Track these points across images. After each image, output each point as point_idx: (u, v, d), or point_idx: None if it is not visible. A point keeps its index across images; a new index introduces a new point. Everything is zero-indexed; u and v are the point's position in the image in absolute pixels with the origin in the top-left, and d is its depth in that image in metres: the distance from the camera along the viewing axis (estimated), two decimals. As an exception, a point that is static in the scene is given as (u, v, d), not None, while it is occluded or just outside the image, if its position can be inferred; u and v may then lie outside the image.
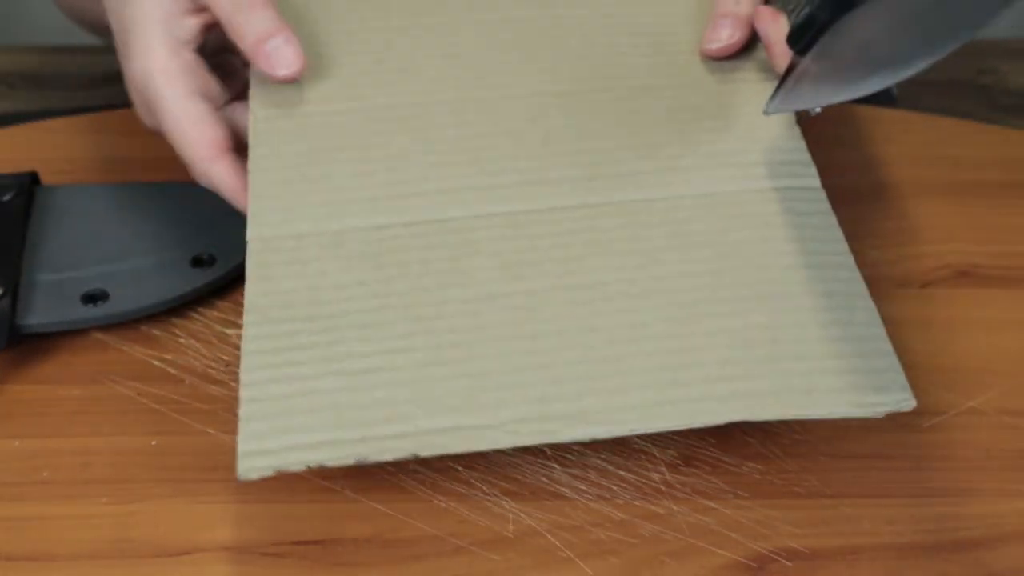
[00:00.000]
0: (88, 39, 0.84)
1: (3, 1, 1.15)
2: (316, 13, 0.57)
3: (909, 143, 0.69)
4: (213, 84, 0.54)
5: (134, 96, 0.54)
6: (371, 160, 0.51)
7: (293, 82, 0.53)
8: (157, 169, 0.62)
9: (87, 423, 0.49)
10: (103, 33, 0.72)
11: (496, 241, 0.48)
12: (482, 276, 0.47)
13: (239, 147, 0.53)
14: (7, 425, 0.49)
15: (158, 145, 0.64)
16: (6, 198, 0.57)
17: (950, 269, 0.60)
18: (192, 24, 0.53)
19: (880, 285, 0.58)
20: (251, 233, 0.48)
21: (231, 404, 0.50)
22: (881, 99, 0.77)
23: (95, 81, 0.79)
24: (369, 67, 0.54)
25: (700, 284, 0.47)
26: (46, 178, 0.60)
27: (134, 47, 0.53)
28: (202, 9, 0.53)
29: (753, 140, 0.52)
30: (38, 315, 0.52)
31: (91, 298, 0.53)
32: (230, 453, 0.48)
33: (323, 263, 0.47)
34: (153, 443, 0.48)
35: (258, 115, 0.52)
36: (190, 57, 0.53)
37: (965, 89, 0.79)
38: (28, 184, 0.58)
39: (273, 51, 0.52)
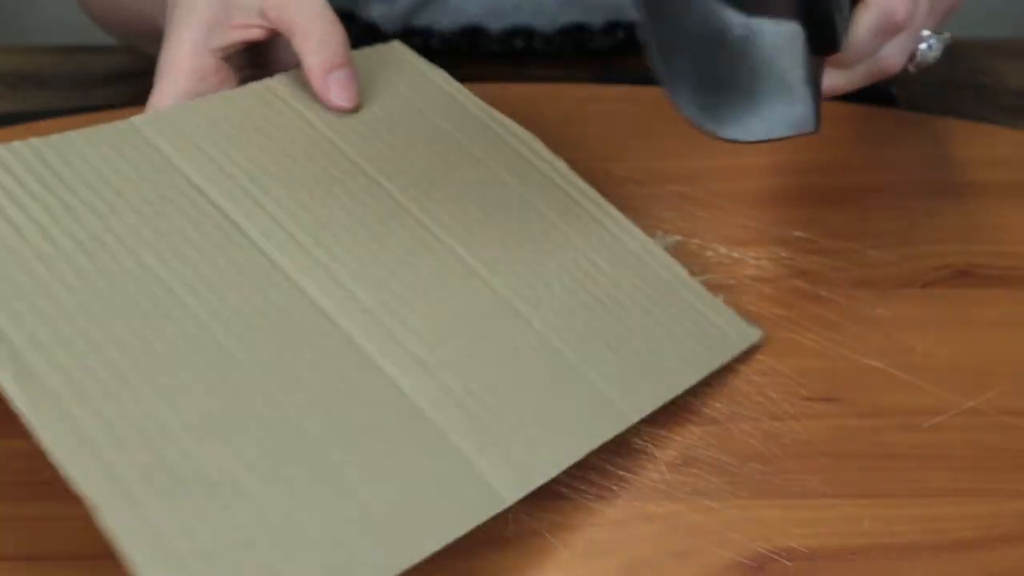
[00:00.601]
0: (88, 39, 0.84)
1: (4, 1, 1.15)
2: None
3: (909, 143, 0.69)
4: (225, 89, 0.55)
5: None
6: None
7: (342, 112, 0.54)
8: (157, 169, 0.62)
9: (87, 423, 0.49)
10: (128, 31, 0.72)
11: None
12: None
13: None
14: (7, 425, 0.49)
15: (158, 145, 0.64)
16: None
17: (950, 269, 0.60)
18: (232, 36, 0.55)
19: (880, 285, 0.58)
20: None
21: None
22: (881, 99, 0.77)
23: (95, 81, 0.79)
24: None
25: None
26: (46, 178, 0.60)
27: (171, 35, 0.55)
28: (252, 27, 0.55)
29: None
30: (38, 315, 0.52)
31: (91, 298, 0.53)
32: (230, 453, 0.48)
33: None
34: (153, 443, 0.48)
35: None
36: (210, 62, 0.55)
37: (965, 89, 0.79)
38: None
39: (336, 81, 0.53)
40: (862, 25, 0.52)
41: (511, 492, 0.43)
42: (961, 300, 0.58)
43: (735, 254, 0.59)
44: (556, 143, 0.58)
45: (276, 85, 0.55)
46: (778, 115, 0.51)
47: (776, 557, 0.45)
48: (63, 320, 0.42)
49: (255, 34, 0.55)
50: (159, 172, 0.49)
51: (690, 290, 0.54)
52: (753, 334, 0.54)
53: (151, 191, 0.48)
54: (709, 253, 0.60)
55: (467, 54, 0.81)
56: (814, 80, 0.52)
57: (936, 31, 0.58)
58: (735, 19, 0.49)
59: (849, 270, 0.58)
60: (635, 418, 0.47)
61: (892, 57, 0.55)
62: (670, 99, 0.48)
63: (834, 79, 0.54)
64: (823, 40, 0.52)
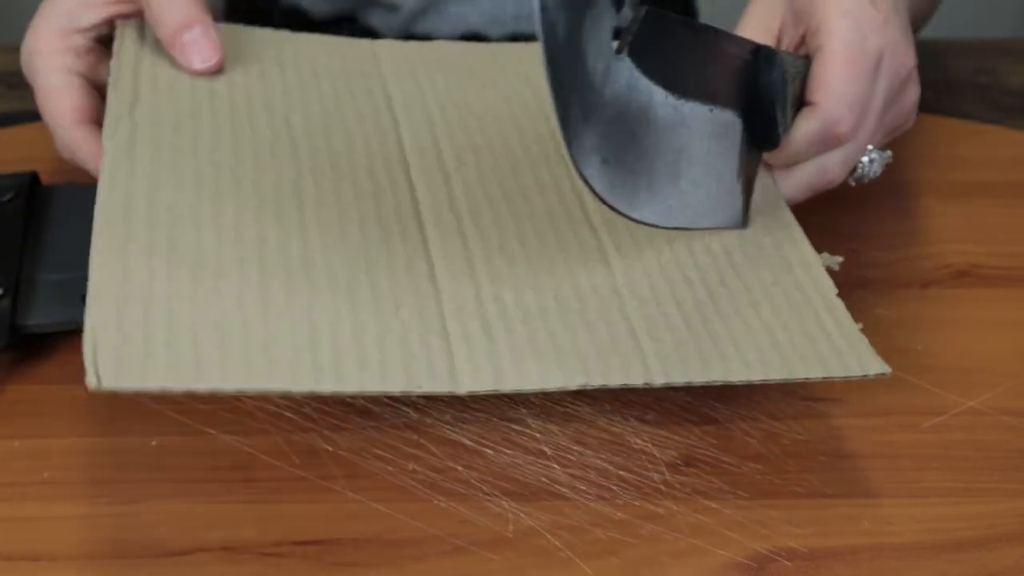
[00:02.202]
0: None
1: (4, 1, 1.15)
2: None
3: (909, 143, 0.69)
4: (100, 68, 0.55)
5: (21, 56, 0.56)
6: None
7: (210, 75, 0.54)
8: (157, 169, 0.62)
9: (87, 423, 0.49)
10: None
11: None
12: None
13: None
14: (7, 425, 0.49)
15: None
16: (6, 198, 0.57)
17: (950, 269, 0.60)
18: (93, 16, 0.54)
19: (880, 285, 0.58)
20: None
21: (231, 404, 0.50)
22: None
23: (95, 81, 0.78)
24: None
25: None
26: (46, 178, 0.60)
27: (37, 17, 0.55)
28: (115, 2, 0.54)
29: None
30: (38, 315, 0.52)
31: (91, 298, 0.53)
32: (230, 453, 0.48)
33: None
34: (153, 443, 0.48)
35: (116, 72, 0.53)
36: (81, 42, 0.55)
37: (965, 89, 0.79)
38: (28, 184, 0.58)
39: (190, 42, 0.52)
40: (803, 131, 0.52)
41: (471, 384, 0.44)
42: (961, 300, 0.58)
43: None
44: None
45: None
46: (703, 204, 0.51)
47: (776, 557, 0.45)
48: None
49: (117, 10, 0.55)
50: (364, 76, 0.58)
51: (824, 303, 0.50)
52: (876, 365, 0.48)
53: (346, 82, 0.57)
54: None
55: None
56: (746, 174, 0.52)
57: (879, 148, 0.56)
58: (661, 99, 0.47)
59: (849, 270, 0.58)
60: (656, 380, 0.45)
61: (834, 169, 0.54)
62: (577, 171, 0.45)
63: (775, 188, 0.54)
64: (762, 135, 0.52)
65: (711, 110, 0.49)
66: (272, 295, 0.45)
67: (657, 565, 0.45)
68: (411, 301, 0.46)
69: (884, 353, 0.54)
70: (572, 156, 0.44)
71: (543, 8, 0.40)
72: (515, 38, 0.80)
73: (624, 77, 0.45)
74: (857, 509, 0.47)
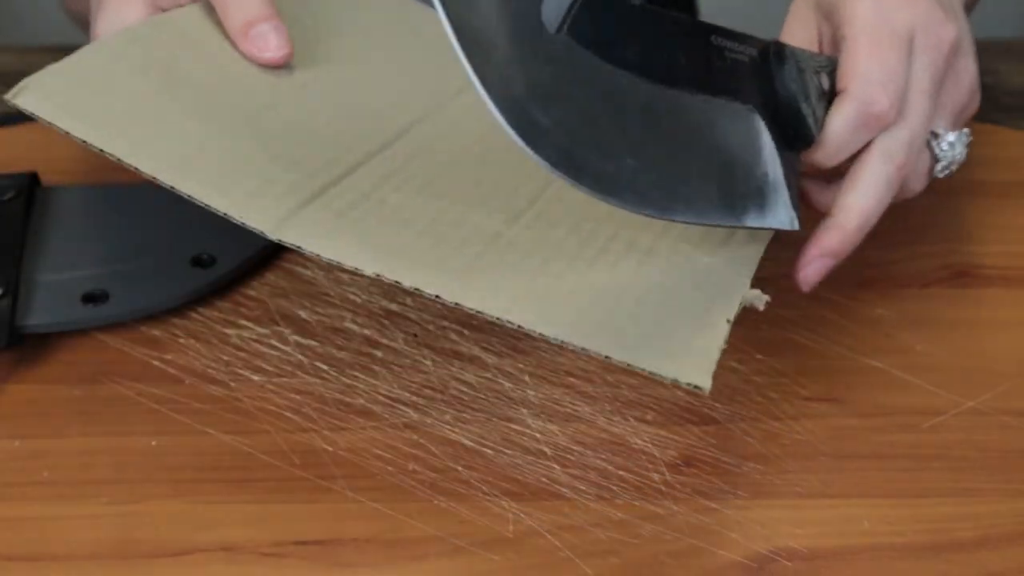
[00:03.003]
0: (88, 39, 0.84)
1: (4, 1, 1.15)
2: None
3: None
4: None
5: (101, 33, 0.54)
6: None
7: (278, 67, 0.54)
8: (157, 169, 0.62)
9: (87, 423, 0.49)
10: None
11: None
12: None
13: None
14: (7, 425, 0.49)
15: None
16: (6, 198, 0.57)
17: (950, 269, 0.60)
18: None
19: (880, 285, 0.58)
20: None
21: (231, 404, 0.50)
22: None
23: (95, 81, 0.78)
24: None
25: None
26: (46, 178, 0.60)
27: (109, 5, 0.53)
28: None
29: None
30: (38, 315, 0.52)
31: (91, 298, 0.53)
32: (230, 453, 0.48)
33: None
34: (153, 443, 0.48)
35: None
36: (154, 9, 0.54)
37: (965, 89, 0.79)
38: (28, 184, 0.58)
39: (259, 36, 0.52)
40: (838, 118, 0.50)
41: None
42: (961, 300, 0.58)
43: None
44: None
45: None
46: (714, 198, 0.47)
47: (776, 557, 0.45)
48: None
49: None
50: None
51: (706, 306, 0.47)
52: (698, 377, 0.43)
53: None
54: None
55: None
56: (787, 177, 0.49)
57: (952, 129, 0.53)
58: (694, 102, 0.46)
59: (849, 270, 0.58)
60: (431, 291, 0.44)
61: (900, 155, 0.50)
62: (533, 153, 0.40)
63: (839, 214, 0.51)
64: (794, 133, 0.49)
65: (736, 118, 0.48)
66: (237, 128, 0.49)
67: (657, 565, 0.45)
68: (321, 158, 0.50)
69: (884, 353, 0.54)
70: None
71: None
72: None
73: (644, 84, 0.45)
74: (857, 509, 0.47)
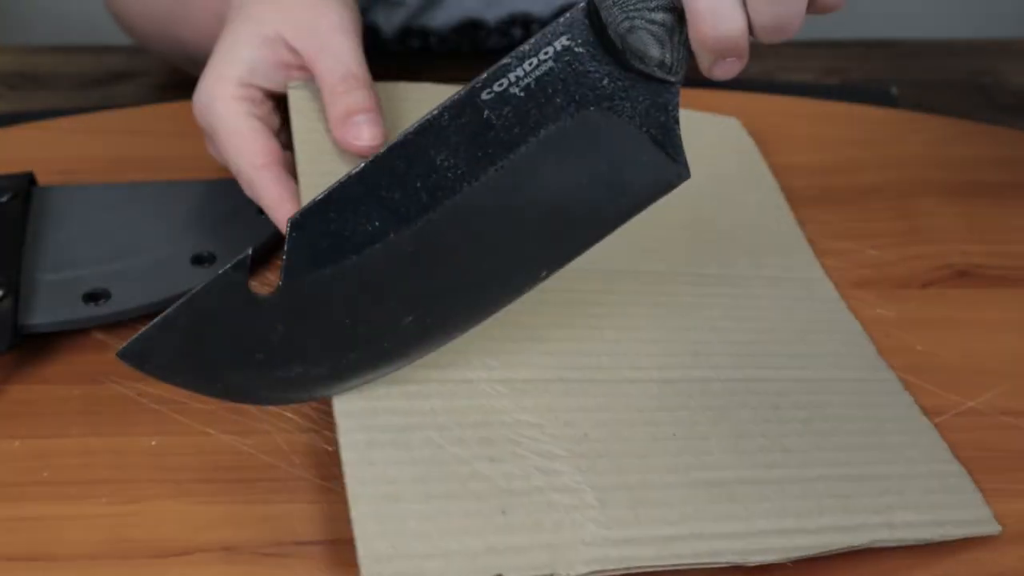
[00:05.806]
0: (88, 39, 0.84)
1: (5, 1, 1.15)
2: None
3: (909, 143, 0.69)
4: (274, 118, 0.56)
5: (195, 100, 0.55)
6: None
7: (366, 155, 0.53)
8: (157, 169, 0.62)
9: (87, 423, 0.49)
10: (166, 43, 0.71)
11: None
12: None
13: (288, 166, 0.54)
14: (7, 425, 0.49)
15: (157, 145, 0.64)
16: (5, 198, 0.57)
17: (950, 269, 0.60)
18: (279, 78, 0.55)
19: (880, 285, 0.58)
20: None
21: (231, 404, 0.50)
22: (881, 99, 0.77)
23: (95, 81, 0.78)
24: None
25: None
26: (45, 178, 0.60)
27: (215, 66, 0.55)
28: (300, 68, 0.55)
29: None
30: (40, 315, 0.52)
31: (92, 297, 0.53)
32: (230, 453, 0.48)
33: None
34: (153, 443, 0.48)
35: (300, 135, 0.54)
36: (258, 94, 0.55)
37: (965, 89, 0.79)
38: (26, 185, 0.58)
39: (355, 125, 0.53)
40: None
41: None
42: (961, 300, 0.58)
43: (735, 254, 0.59)
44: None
45: None
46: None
47: (776, 557, 0.45)
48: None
49: (299, 76, 0.56)
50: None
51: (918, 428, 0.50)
52: (989, 526, 0.46)
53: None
54: (709, 253, 0.59)
55: (468, 56, 0.81)
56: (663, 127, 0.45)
57: None
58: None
59: (849, 270, 0.58)
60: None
61: None
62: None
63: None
64: (650, 60, 0.43)
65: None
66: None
67: (657, 565, 0.44)
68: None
69: (884, 353, 0.54)
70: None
71: None
72: (513, 18, 0.81)
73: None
74: (857, 509, 0.47)
